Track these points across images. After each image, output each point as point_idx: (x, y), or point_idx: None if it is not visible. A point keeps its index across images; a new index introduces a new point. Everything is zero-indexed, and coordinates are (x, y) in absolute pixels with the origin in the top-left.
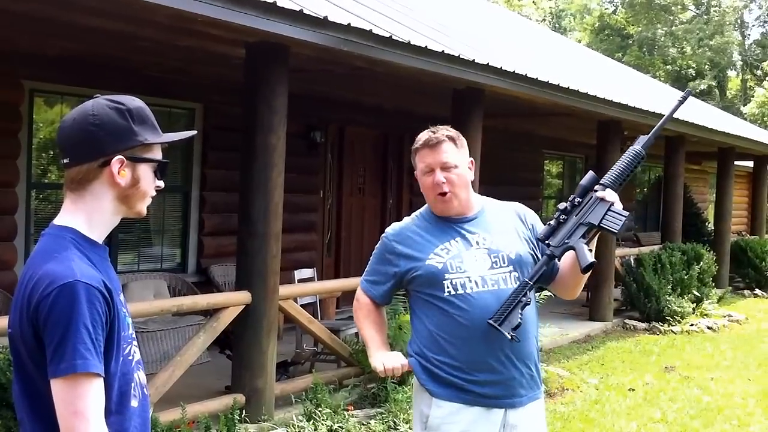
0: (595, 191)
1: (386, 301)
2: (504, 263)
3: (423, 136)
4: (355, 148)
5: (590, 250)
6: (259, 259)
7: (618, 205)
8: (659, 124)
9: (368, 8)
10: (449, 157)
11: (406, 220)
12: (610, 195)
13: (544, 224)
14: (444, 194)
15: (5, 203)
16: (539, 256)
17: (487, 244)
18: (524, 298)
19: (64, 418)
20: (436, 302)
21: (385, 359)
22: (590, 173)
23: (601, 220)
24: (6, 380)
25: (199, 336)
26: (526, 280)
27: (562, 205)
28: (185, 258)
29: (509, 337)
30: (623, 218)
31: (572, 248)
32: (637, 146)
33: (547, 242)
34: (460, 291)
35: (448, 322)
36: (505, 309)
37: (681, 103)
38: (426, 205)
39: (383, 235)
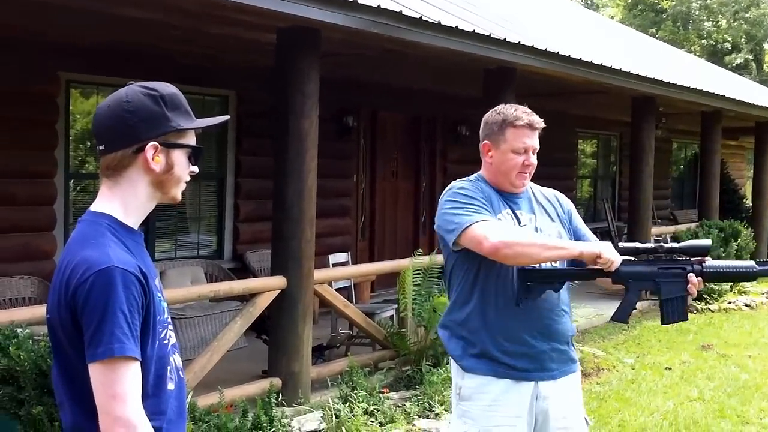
0: (693, 266)
1: None
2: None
3: (520, 114)
4: (387, 132)
5: (633, 309)
6: (294, 244)
7: (686, 300)
8: None
9: None
10: (537, 143)
11: (468, 180)
12: (695, 288)
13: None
14: (526, 174)
15: (44, 194)
16: (574, 239)
17: (534, 223)
18: (558, 285)
19: (102, 401)
20: (484, 268)
21: (590, 246)
22: (707, 242)
23: (666, 299)
24: (47, 367)
25: (236, 321)
26: (572, 272)
27: (663, 244)
28: (221, 244)
29: (516, 302)
30: (676, 319)
31: (626, 286)
32: (757, 266)
33: (622, 253)
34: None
35: (494, 289)
36: (541, 277)
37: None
38: (477, 174)
39: (455, 188)
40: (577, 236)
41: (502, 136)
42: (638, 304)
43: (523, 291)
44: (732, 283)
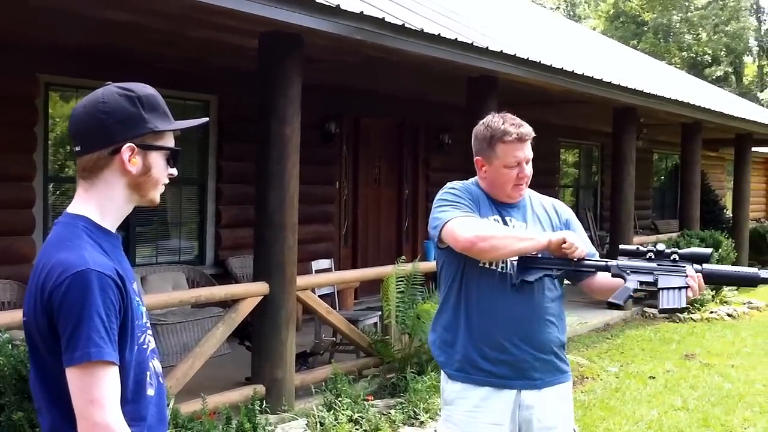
0: (693, 268)
1: None
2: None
3: (508, 127)
4: (370, 139)
5: (630, 296)
6: (276, 250)
7: (689, 294)
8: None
9: None
10: (530, 152)
11: (461, 182)
12: (694, 281)
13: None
14: (521, 185)
15: (23, 197)
16: None
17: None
18: (556, 272)
19: (81, 406)
20: (466, 273)
21: (557, 234)
22: (708, 251)
23: (664, 288)
24: (27, 372)
25: (218, 327)
26: (574, 260)
27: (661, 247)
28: (203, 250)
29: (513, 283)
30: (676, 306)
31: (623, 278)
32: (762, 273)
33: (619, 257)
34: (492, 266)
35: (471, 297)
36: (534, 263)
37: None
38: (474, 180)
39: (447, 188)
40: None
41: (493, 152)
42: (622, 313)
43: (521, 272)
44: (735, 287)
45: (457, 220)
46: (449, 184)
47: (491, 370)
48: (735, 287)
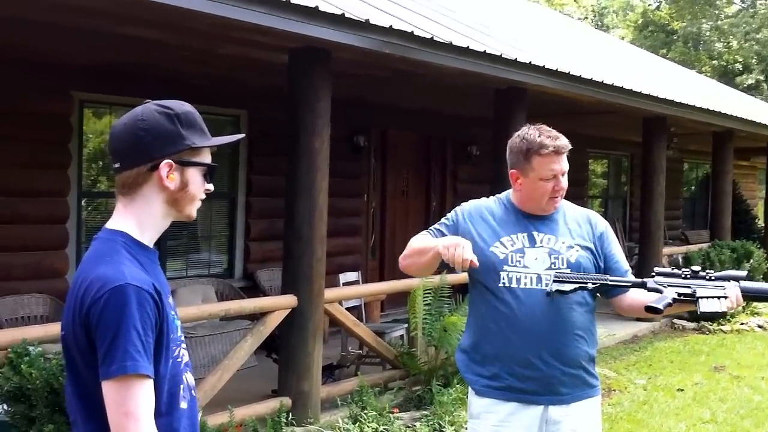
0: (730, 282)
1: None
2: (563, 265)
3: (545, 140)
4: (398, 151)
5: (669, 304)
6: (305, 263)
7: (727, 303)
8: None
9: (409, 10)
10: (566, 164)
11: (485, 200)
12: (732, 292)
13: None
14: (557, 198)
15: (57, 212)
16: (601, 265)
17: (550, 245)
18: (590, 285)
19: (115, 419)
20: (490, 291)
21: (450, 240)
22: (743, 273)
23: (702, 296)
24: (59, 385)
25: (246, 340)
26: (607, 276)
27: (697, 268)
28: (232, 263)
29: (548, 292)
30: (716, 310)
31: (660, 292)
32: None
33: (654, 275)
34: (514, 285)
35: (497, 314)
36: (572, 278)
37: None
38: (506, 193)
39: (460, 208)
40: (607, 262)
41: (529, 165)
42: (650, 325)
43: (557, 284)
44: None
45: (410, 242)
46: (464, 204)
47: (519, 387)
48: None
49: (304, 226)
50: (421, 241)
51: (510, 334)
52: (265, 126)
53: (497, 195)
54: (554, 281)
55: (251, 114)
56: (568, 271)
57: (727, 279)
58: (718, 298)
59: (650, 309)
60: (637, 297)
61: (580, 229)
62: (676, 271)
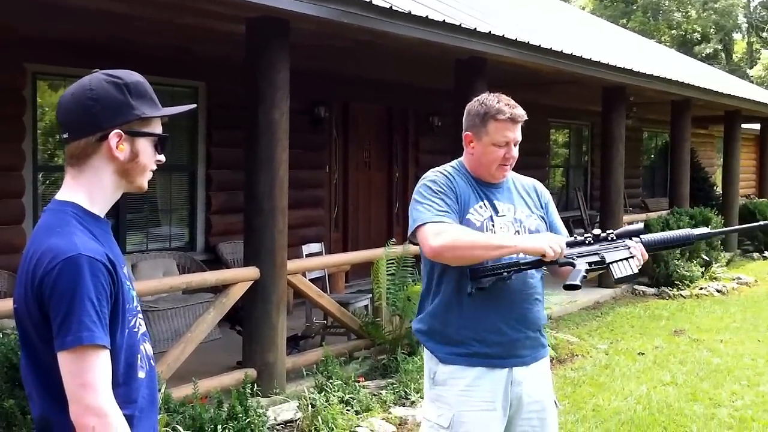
0: (632, 239)
1: None
2: (525, 233)
3: (503, 107)
4: (359, 123)
5: (585, 277)
6: (266, 235)
7: (635, 262)
8: (736, 228)
9: None
10: (520, 135)
11: (445, 168)
12: (637, 250)
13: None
14: (506, 166)
15: (12, 187)
16: (550, 232)
17: (512, 213)
18: (506, 274)
19: (73, 390)
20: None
21: (552, 241)
22: (641, 225)
23: (613, 262)
24: (18, 360)
25: (209, 312)
26: (519, 262)
27: (597, 231)
28: (193, 237)
29: (469, 292)
30: (629, 273)
31: (572, 265)
32: (694, 231)
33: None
34: None
35: (466, 284)
36: (489, 269)
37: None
38: (458, 161)
39: (433, 175)
40: (551, 229)
41: (484, 128)
42: (611, 291)
43: (474, 281)
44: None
45: (430, 226)
46: (431, 173)
47: (485, 352)
48: (705, 260)
49: (264, 199)
50: (475, 234)
51: (479, 303)
52: (223, 98)
53: (450, 164)
54: (471, 279)
55: (209, 86)
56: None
57: (628, 236)
58: (627, 259)
59: (569, 287)
60: (555, 272)
61: (530, 198)
62: (579, 239)
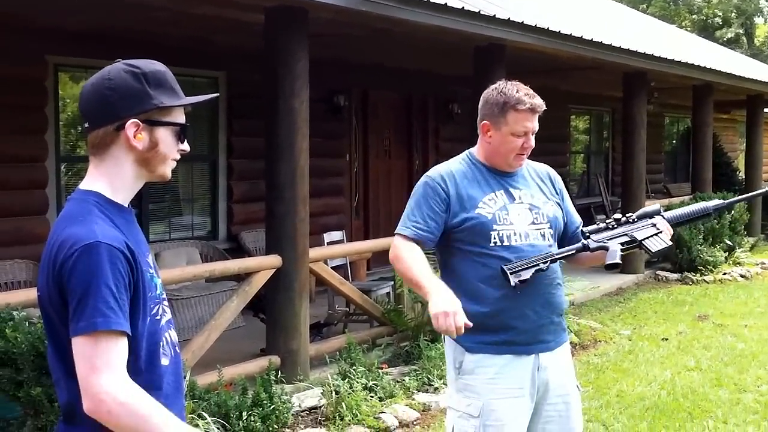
0: (653, 218)
1: (432, 244)
2: (543, 220)
3: (522, 96)
4: (379, 111)
5: (620, 253)
6: (288, 223)
7: (665, 235)
8: (747, 196)
9: None
10: (537, 124)
11: (450, 164)
12: (663, 225)
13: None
14: (524, 155)
15: (35, 178)
16: (565, 218)
17: (528, 201)
18: (543, 265)
19: (83, 373)
20: (481, 252)
21: (443, 307)
22: (657, 205)
23: (644, 239)
24: (44, 348)
25: (233, 300)
26: (552, 252)
27: (617, 216)
28: (215, 226)
29: (513, 284)
30: (664, 245)
31: (605, 248)
32: (710, 203)
33: (589, 235)
34: (506, 243)
35: (489, 273)
36: (523, 264)
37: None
38: (467, 152)
39: (426, 178)
40: (566, 215)
41: (503, 118)
42: (634, 277)
43: (514, 275)
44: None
45: (399, 241)
46: (430, 172)
47: (511, 339)
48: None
49: (286, 187)
50: (412, 264)
51: (506, 291)
52: (243, 87)
53: (459, 156)
54: (511, 274)
55: (230, 75)
56: (548, 225)
57: (648, 216)
58: (656, 234)
59: (610, 266)
60: (585, 258)
61: (544, 184)
62: (602, 225)
